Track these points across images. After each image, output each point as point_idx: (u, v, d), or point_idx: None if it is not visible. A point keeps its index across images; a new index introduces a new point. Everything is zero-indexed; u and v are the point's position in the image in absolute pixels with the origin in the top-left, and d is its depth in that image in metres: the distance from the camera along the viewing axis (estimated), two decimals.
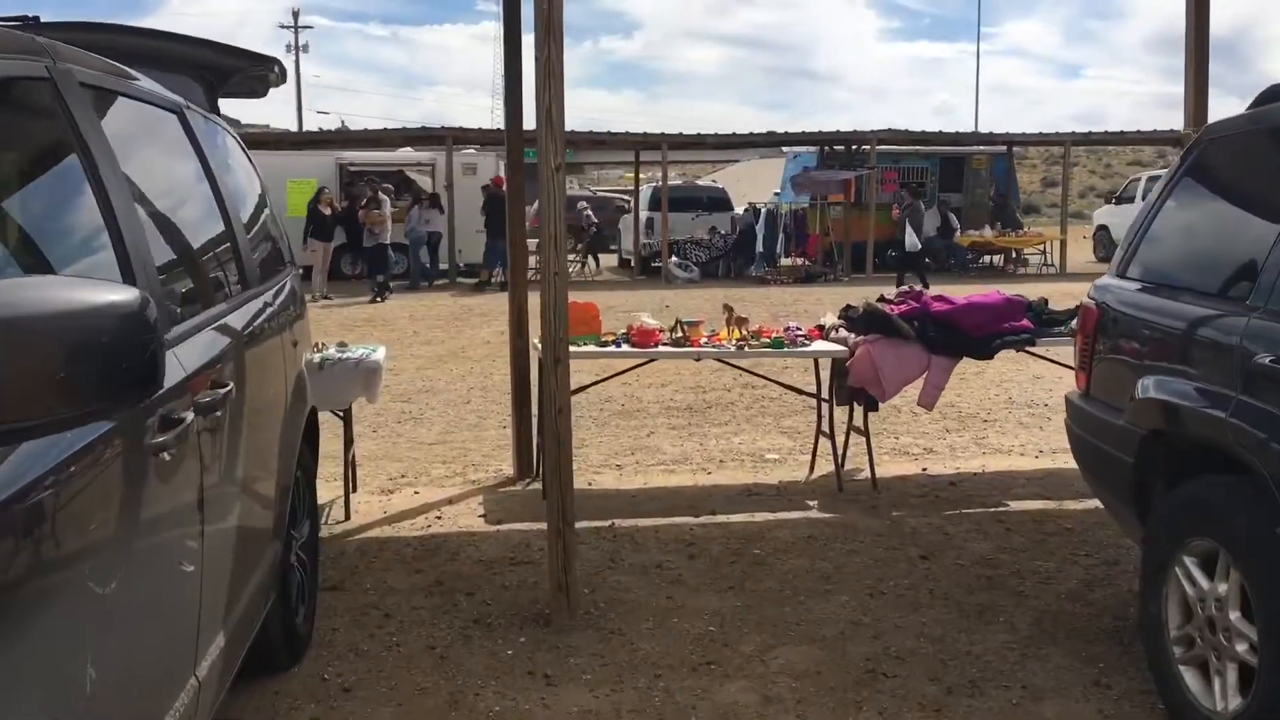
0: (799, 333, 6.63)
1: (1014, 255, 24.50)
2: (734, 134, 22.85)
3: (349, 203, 22.55)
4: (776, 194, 32.35)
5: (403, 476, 6.92)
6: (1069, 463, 7.52)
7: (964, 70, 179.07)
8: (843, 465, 6.55)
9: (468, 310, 16.87)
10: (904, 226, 19.92)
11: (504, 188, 21.28)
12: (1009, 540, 5.40)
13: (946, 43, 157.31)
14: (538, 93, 4.27)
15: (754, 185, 37.19)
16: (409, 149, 25.64)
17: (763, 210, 22.71)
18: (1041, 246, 24.15)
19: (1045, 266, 23.81)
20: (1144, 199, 26.94)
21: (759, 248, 22.13)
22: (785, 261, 22.80)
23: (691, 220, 24.64)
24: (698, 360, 6.83)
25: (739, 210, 25.23)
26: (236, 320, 3.12)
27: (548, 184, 4.28)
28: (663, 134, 21.66)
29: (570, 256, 22.56)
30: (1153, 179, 27.57)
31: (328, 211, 19.34)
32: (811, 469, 6.87)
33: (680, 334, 6.51)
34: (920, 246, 19.75)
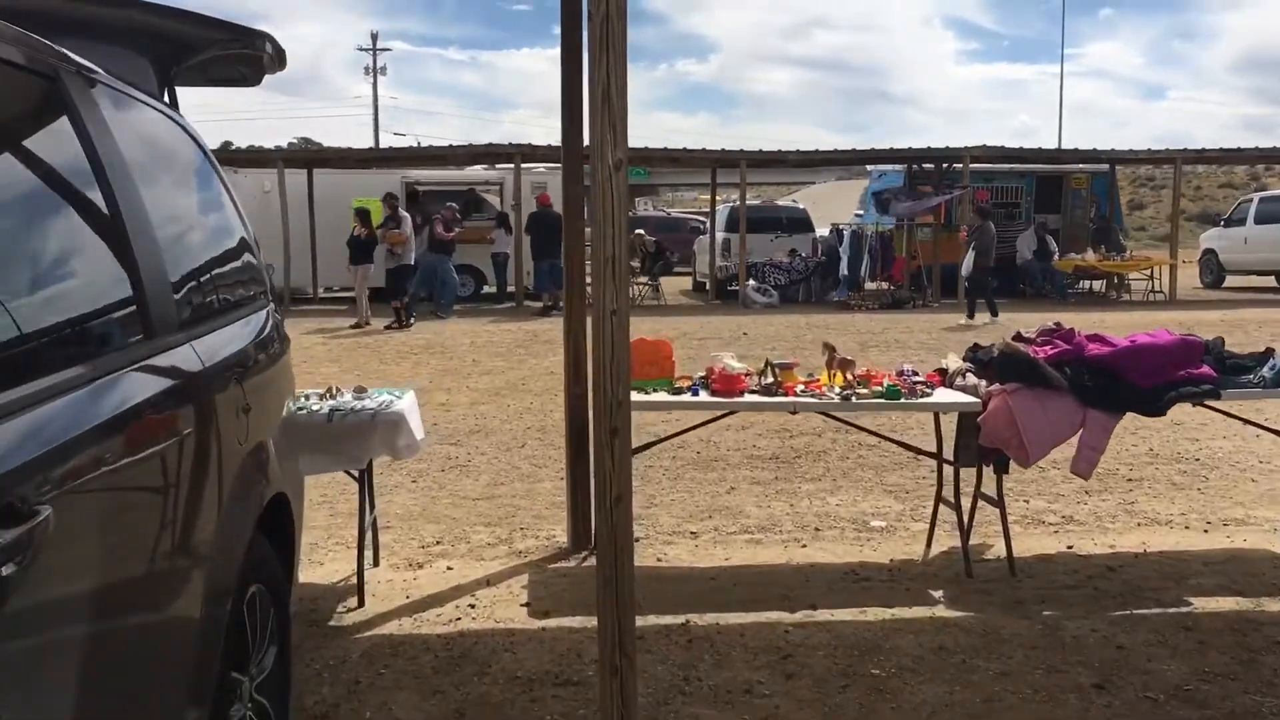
0: (915, 379, 5.41)
1: (1116, 281, 22.87)
2: (816, 151, 21.61)
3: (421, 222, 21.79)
4: (858, 214, 31.03)
5: (437, 543, 5.83)
6: (1251, 540, 6.30)
7: (1044, 92, 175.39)
8: (969, 540, 5.32)
9: (532, 337, 15.85)
10: (969, 250, 18.15)
11: (550, 205, 20.76)
12: (1205, 659, 4.12)
13: (1026, 64, 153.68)
14: (591, 67, 3.14)
15: (830, 208, 35.85)
16: (479, 168, 24.85)
17: (847, 232, 21.41)
18: (1148, 272, 22.48)
19: (1152, 293, 22.15)
20: (1256, 221, 25.27)
21: (843, 271, 20.83)
22: (870, 286, 21.47)
23: (770, 242, 23.43)
24: (794, 413, 5.61)
25: (821, 232, 23.97)
26: (106, 393, 2.04)
27: (603, 187, 3.15)
28: (741, 151, 20.50)
29: (640, 279, 21.49)
30: (1270, 199, 25.74)
31: (362, 234, 18.01)
32: (929, 544, 5.63)
33: (771, 379, 5.33)
34: (970, 270, 18.02)
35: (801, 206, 26.45)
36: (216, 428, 2.60)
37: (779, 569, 5.33)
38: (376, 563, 5.37)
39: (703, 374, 5.52)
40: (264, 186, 21.40)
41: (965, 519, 5.33)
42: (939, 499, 5.60)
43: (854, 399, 5.12)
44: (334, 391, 5.12)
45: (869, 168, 25.77)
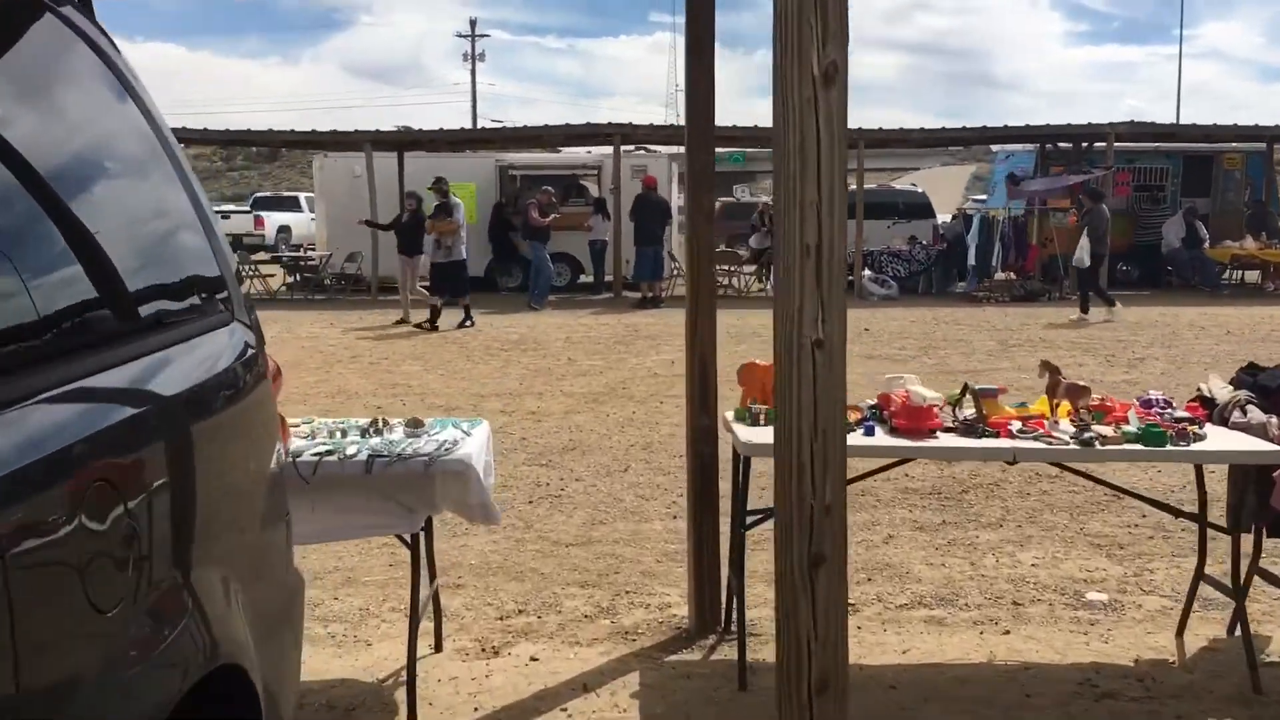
0: (1172, 412, 3.92)
1: (1274, 270, 20.67)
2: (943, 129, 19.84)
3: (510, 208, 20.65)
4: (978, 200, 29.02)
5: (519, 612, 4.52)
6: None
7: (1155, 74, 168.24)
8: (1249, 630, 3.82)
9: (632, 332, 14.52)
10: (1080, 237, 15.81)
11: (655, 188, 19.36)
12: None
13: (1137, 45, 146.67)
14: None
15: (935, 196, 33.87)
16: (577, 150, 23.63)
17: (975, 217, 19.63)
18: None
19: None
20: None
21: (970, 260, 19.06)
22: (999, 276, 19.68)
23: (887, 229, 21.75)
24: (1012, 463, 4.11)
25: (943, 218, 22.19)
26: None
27: (800, 115, 1.78)
28: (860, 130, 18.84)
29: (726, 267, 20.02)
30: None
31: (406, 219, 15.79)
32: (1181, 631, 4.15)
33: (975, 412, 3.89)
34: (1089, 263, 15.43)
35: (920, 190, 24.65)
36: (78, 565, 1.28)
37: (979, 671, 3.90)
38: (439, 646, 4.09)
39: (873, 402, 4.11)
40: (353, 171, 20.46)
41: (1242, 604, 3.84)
42: (1200, 574, 4.10)
43: (1098, 444, 3.64)
44: (380, 425, 3.82)
45: (994, 150, 23.86)
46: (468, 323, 14.97)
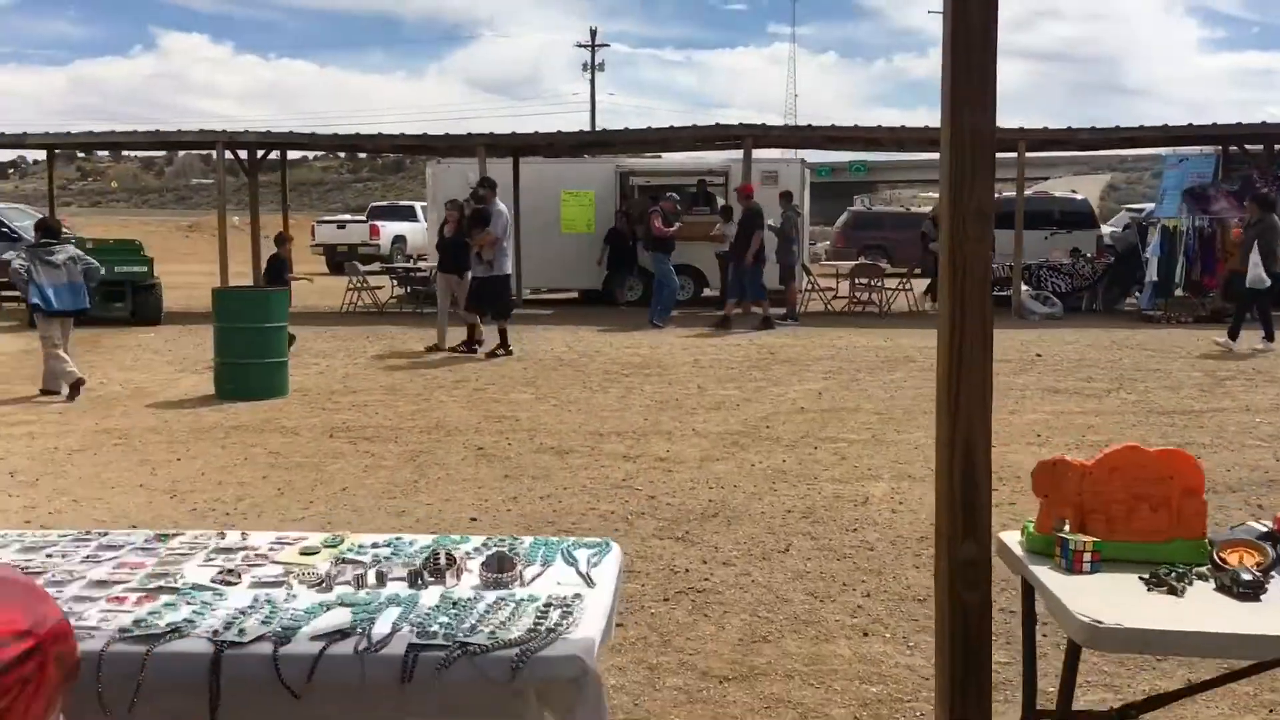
0: None
1: None
2: (1116, 128, 17.74)
3: (626, 220, 19.27)
4: (1136, 210, 26.72)
5: None
6: None
7: None
8: None
9: (768, 355, 12.93)
10: (1249, 251, 13.36)
11: (751, 196, 17.22)
12: None
13: (1278, 51, 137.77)
14: None
15: None
16: (702, 155, 22.16)
17: (1156, 227, 17.50)
18: None
19: None
20: None
21: (1150, 275, 16.91)
22: (1178, 293, 17.48)
23: (1044, 240, 19.73)
24: None
25: (1110, 228, 20.04)
26: None
27: None
28: (1020, 129, 16.92)
29: (864, 281, 18.19)
30: None
31: (449, 231, 13.46)
32: None
33: None
34: (1268, 282, 12.99)
35: (1082, 197, 22.47)
36: None
37: None
38: None
39: (1269, 525, 2.50)
40: (467, 179, 19.34)
41: None
42: None
43: None
44: (443, 562, 2.34)
45: (1164, 154, 21.55)
46: (501, 351, 12.71)
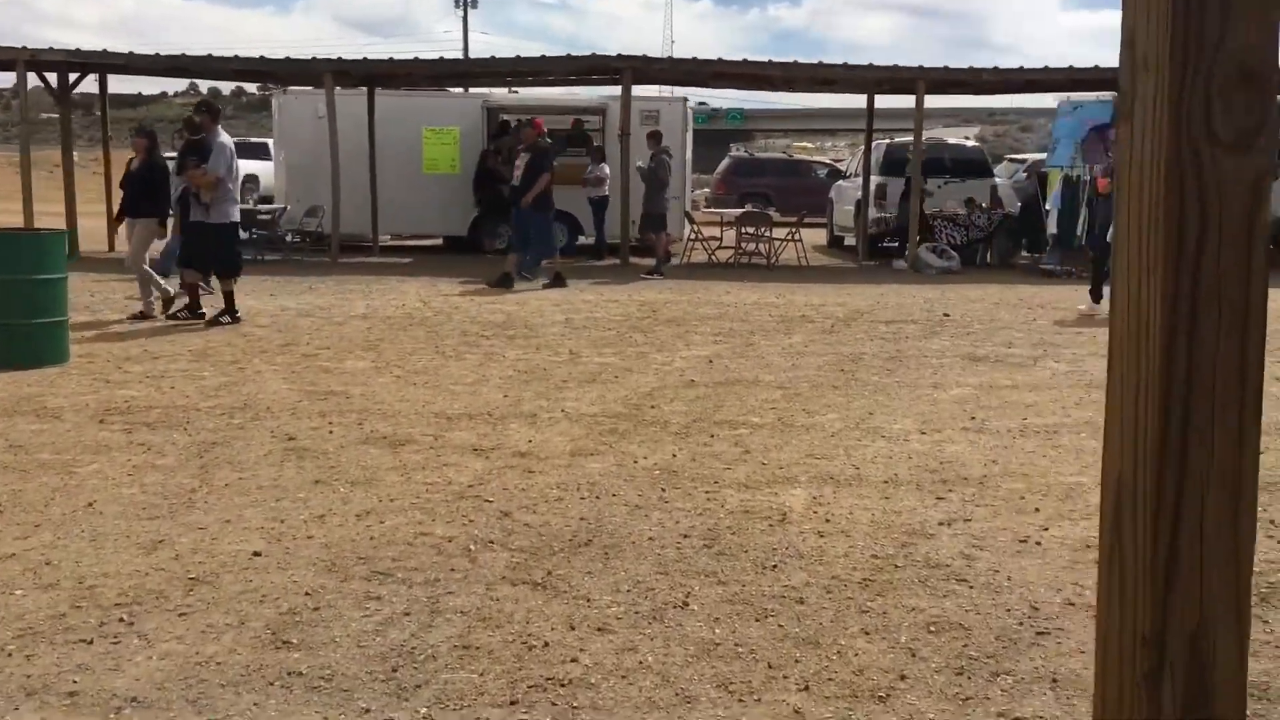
0: None
1: None
2: (1019, 69, 16.68)
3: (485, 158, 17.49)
4: (1020, 161, 26.06)
5: None
6: None
7: None
8: None
9: (649, 312, 11.47)
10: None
11: (544, 134, 13.19)
12: None
13: None
14: None
15: None
16: (576, 92, 20.48)
17: (1059, 177, 16.55)
18: None
19: None
20: None
21: (1052, 228, 15.98)
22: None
23: (937, 189, 18.66)
24: None
25: (1002, 179, 19.11)
26: None
27: None
28: (920, 68, 15.70)
29: (751, 230, 16.90)
30: None
31: (135, 165, 10.75)
32: None
33: None
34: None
35: (975, 144, 21.53)
36: None
37: None
38: None
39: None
40: (318, 111, 17.27)
41: None
42: None
43: None
44: None
45: (1056, 102, 20.70)
46: (225, 318, 10.15)
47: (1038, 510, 4.89)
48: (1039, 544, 4.45)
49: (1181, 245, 0.95)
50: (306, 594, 3.90)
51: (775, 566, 4.19)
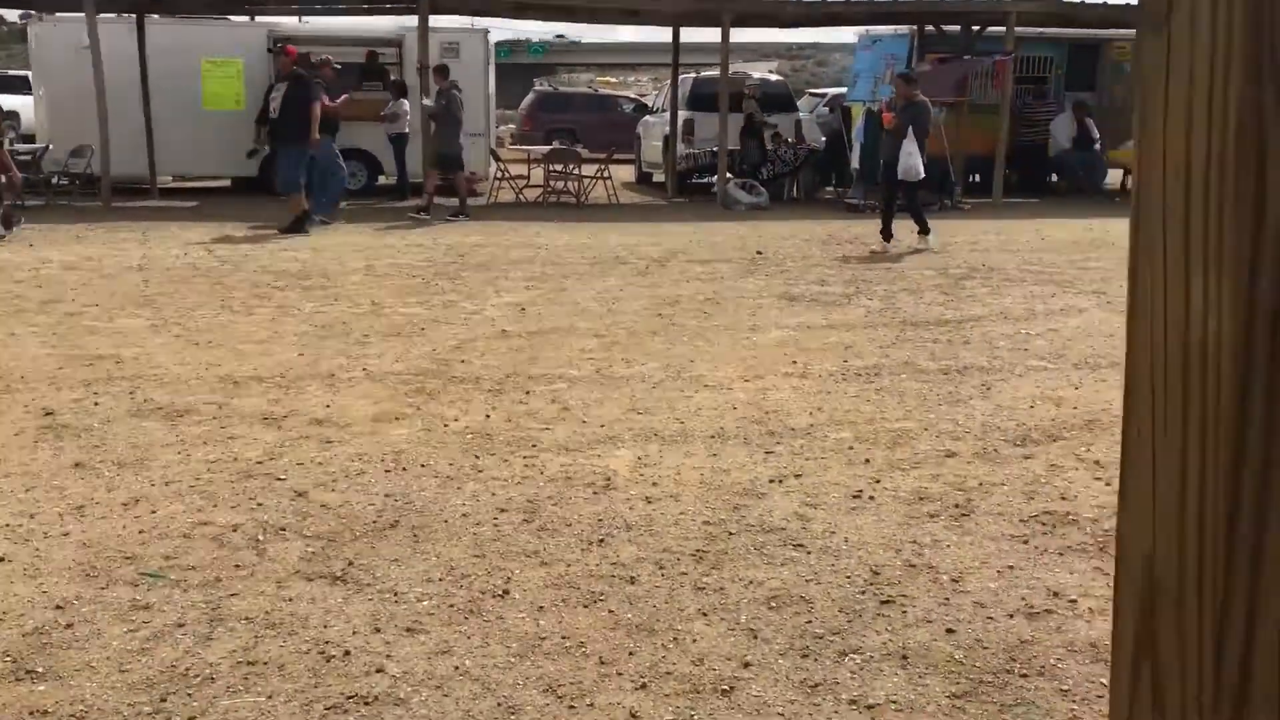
0: None
1: None
2: (824, 2, 16.61)
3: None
4: (820, 95, 26.45)
5: None
6: None
7: None
8: None
9: (456, 256, 10.91)
10: (903, 138, 11.35)
11: (296, 62, 12.28)
12: None
13: None
14: None
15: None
16: (371, 21, 19.36)
17: (862, 110, 16.65)
18: None
19: None
20: None
21: (855, 163, 16.12)
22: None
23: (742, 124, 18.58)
24: None
25: (807, 112, 19.19)
26: None
27: None
28: (722, 2, 15.44)
29: (560, 168, 16.49)
30: None
31: None
32: None
33: None
34: (923, 173, 11.45)
35: (779, 78, 21.54)
36: None
37: None
38: None
39: None
40: (81, 42, 15.69)
41: None
42: None
43: None
44: None
45: (854, 36, 20.91)
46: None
47: (867, 461, 4.72)
48: (872, 498, 4.27)
49: (1259, 232, 0.61)
50: (58, 607, 3.33)
51: (602, 541, 3.86)
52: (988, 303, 8.56)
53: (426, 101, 14.42)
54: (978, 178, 19.48)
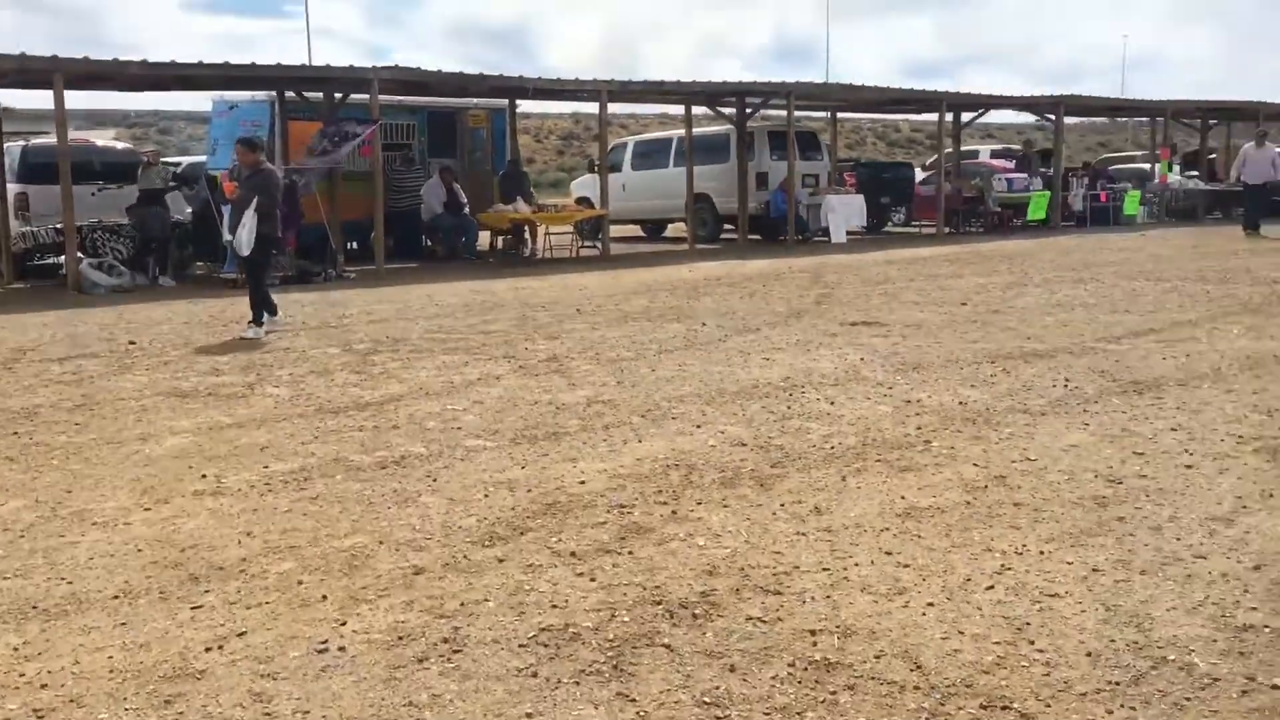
0: None
1: (529, 235, 19.81)
2: (174, 62, 15.05)
3: None
4: (174, 164, 24.72)
5: None
6: None
7: (282, 46, 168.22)
8: None
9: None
10: (245, 210, 10.36)
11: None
12: None
13: (256, 18, 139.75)
14: None
15: None
16: None
17: (202, 180, 15.38)
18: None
19: (585, 246, 19.45)
20: (633, 168, 23.88)
21: (227, 235, 14.81)
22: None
23: (92, 197, 16.56)
24: None
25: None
26: None
27: None
28: (54, 58, 13.39)
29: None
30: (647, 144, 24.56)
31: None
32: None
33: None
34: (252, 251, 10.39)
35: (125, 145, 19.46)
36: None
37: None
38: None
39: None
40: None
41: None
42: None
43: None
44: None
45: (213, 100, 19.62)
46: None
47: (324, 598, 3.92)
48: (343, 649, 3.49)
49: None
50: None
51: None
52: (403, 378, 8.07)
53: None
54: (355, 245, 19.27)
